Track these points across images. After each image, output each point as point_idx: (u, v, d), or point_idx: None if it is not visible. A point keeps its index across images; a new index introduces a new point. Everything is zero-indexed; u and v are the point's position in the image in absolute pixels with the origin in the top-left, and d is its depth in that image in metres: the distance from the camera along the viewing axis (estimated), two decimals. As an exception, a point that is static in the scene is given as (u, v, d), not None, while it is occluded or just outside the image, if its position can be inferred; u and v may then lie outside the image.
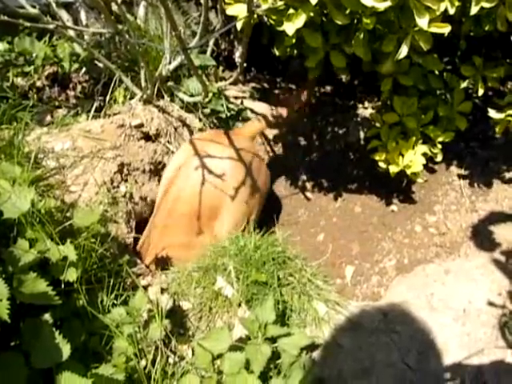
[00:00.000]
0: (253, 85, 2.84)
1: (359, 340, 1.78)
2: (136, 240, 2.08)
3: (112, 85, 2.39)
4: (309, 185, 2.61)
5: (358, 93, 2.88)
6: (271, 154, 2.65)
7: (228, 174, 2.03)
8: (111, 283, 1.62)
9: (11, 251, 1.35)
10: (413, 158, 2.16)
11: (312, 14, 1.62)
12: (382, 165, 2.22)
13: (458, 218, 2.33)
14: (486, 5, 1.66)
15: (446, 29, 1.63)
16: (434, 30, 1.62)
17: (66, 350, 1.28)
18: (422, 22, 1.56)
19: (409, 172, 2.18)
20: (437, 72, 2.14)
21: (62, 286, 1.42)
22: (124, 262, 1.74)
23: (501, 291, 1.94)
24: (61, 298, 1.33)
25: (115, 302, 1.61)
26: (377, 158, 2.23)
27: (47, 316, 1.36)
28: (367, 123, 2.63)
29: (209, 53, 2.51)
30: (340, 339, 1.77)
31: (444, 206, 2.42)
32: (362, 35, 1.80)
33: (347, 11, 1.66)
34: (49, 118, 2.44)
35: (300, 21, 1.63)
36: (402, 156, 2.18)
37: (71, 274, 1.44)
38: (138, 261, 1.97)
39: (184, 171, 2.04)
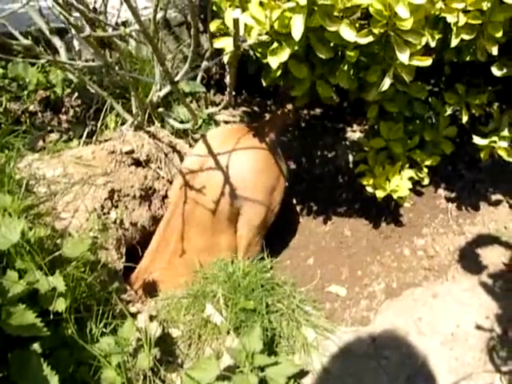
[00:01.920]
0: (243, 109, 2.86)
1: (348, 366, 1.80)
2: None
3: (104, 110, 2.41)
4: (298, 208, 2.63)
5: (347, 115, 2.90)
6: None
7: (254, 177, 2.05)
8: (100, 311, 1.63)
9: (0, 282, 1.36)
10: (399, 183, 2.19)
11: (296, 48, 1.65)
12: (370, 189, 2.24)
13: (445, 241, 2.35)
14: (466, 37, 1.70)
15: (427, 62, 1.67)
16: (415, 63, 1.66)
17: (54, 381, 1.29)
18: (403, 56, 1.59)
19: (395, 196, 2.20)
20: (422, 97, 2.17)
21: (51, 316, 1.43)
22: (113, 289, 1.75)
23: (488, 314, 1.95)
24: (49, 328, 1.34)
25: (104, 330, 1.62)
26: (364, 182, 2.25)
27: (35, 346, 1.36)
28: (356, 146, 2.65)
29: (199, 79, 2.54)
30: (329, 365, 1.79)
31: (432, 229, 2.44)
32: (345, 67, 1.83)
33: (331, 44, 1.69)
34: (41, 143, 2.45)
35: (284, 55, 1.66)
36: (389, 181, 2.20)
37: (60, 305, 1.45)
38: (128, 287, 1.98)
39: (202, 172, 2.05)
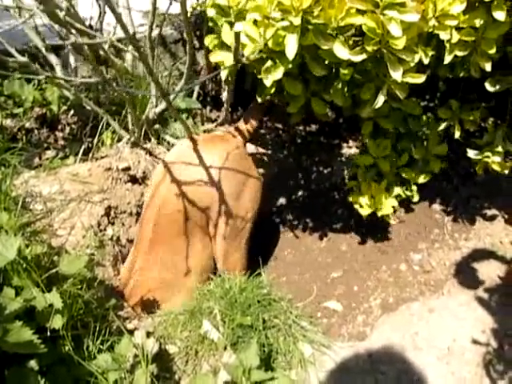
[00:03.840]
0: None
1: (345, 381, 1.79)
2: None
3: (100, 127, 2.42)
4: (294, 224, 2.63)
5: (343, 131, 2.91)
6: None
7: (209, 181, 2.02)
8: (97, 328, 1.62)
9: (-3, 300, 1.36)
10: (383, 201, 2.19)
11: (290, 66, 1.67)
12: (356, 206, 2.24)
13: (441, 256, 2.36)
14: (460, 53, 1.73)
15: (420, 79, 1.68)
16: (408, 80, 1.67)
17: (50, 398, 1.29)
18: (396, 74, 1.61)
19: (379, 214, 2.21)
20: (417, 114, 2.18)
21: (48, 333, 1.43)
22: (110, 306, 1.75)
23: (485, 329, 1.96)
24: (46, 345, 1.34)
25: (101, 347, 1.61)
26: (351, 199, 2.26)
27: (32, 363, 1.36)
28: (351, 162, 2.66)
29: (195, 95, 2.55)
30: (325, 381, 1.78)
31: (428, 244, 2.45)
32: (340, 84, 1.85)
33: (325, 62, 1.71)
34: (37, 160, 2.46)
35: (279, 73, 1.68)
36: (374, 198, 2.21)
37: (57, 322, 1.45)
38: (125, 304, 1.98)
39: (167, 181, 2.03)
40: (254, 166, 2.20)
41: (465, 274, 2.24)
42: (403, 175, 2.27)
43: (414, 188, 2.30)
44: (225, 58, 1.88)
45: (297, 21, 1.54)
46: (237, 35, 1.58)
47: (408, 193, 2.29)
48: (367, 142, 2.23)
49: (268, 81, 1.71)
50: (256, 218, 2.18)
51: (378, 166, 2.23)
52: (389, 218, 2.27)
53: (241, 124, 2.27)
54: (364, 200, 2.20)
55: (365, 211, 2.21)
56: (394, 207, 2.22)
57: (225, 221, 2.05)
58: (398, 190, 2.23)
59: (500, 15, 1.62)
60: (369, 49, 1.59)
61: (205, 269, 2.12)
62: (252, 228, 2.17)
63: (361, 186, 2.24)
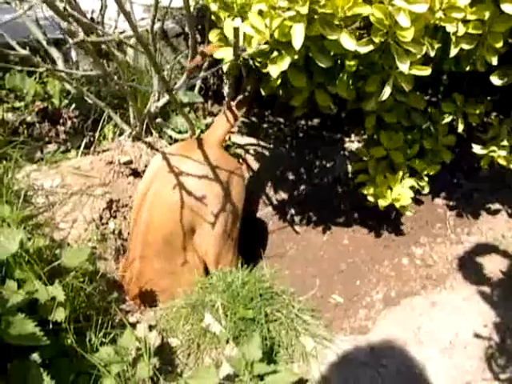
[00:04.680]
0: (241, 119, 2.86)
1: (346, 374, 1.80)
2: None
3: (102, 121, 2.42)
4: (297, 218, 2.63)
5: (345, 125, 2.91)
6: (259, 188, 2.67)
7: (202, 189, 1.97)
8: (100, 321, 1.63)
9: (-1, 292, 1.36)
10: (401, 192, 2.18)
11: (296, 57, 1.65)
12: (371, 199, 2.23)
13: (443, 250, 2.36)
14: (466, 46, 1.71)
15: (426, 71, 1.66)
16: (415, 72, 1.65)
17: (53, 391, 1.29)
18: (403, 66, 1.59)
19: (398, 205, 2.19)
20: (421, 108, 2.17)
21: (50, 325, 1.43)
22: (112, 299, 1.76)
23: (487, 323, 1.96)
24: (49, 337, 1.34)
25: (104, 340, 1.62)
26: (365, 191, 2.25)
27: (35, 356, 1.36)
28: (354, 157, 2.66)
29: (197, 89, 2.55)
30: (327, 374, 1.79)
31: (430, 238, 2.44)
32: (345, 76, 1.84)
33: (331, 53, 1.69)
34: (39, 154, 2.45)
35: (285, 64, 1.66)
36: (391, 189, 2.20)
37: (59, 314, 1.45)
38: (127, 297, 1.98)
39: (152, 194, 1.97)
40: (235, 164, 2.19)
41: (467, 268, 2.24)
42: (414, 166, 2.27)
43: (426, 179, 2.29)
44: (226, 54, 1.86)
45: (304, 10, 1.51)
46: (235, 31, 1.56)
47: (421, 183, 2.28)
48: (378, 135, 2.22)
49: (274, 72, 1.69)
50: (242, 217, 2.16)
51: (391, 157, 2.23)
52: (406, 209, 2.25)
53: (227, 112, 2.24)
54: (381, 192, 2.20)
55: (382, 202, 2.20)
56: (411, 198, 2.21)
57: (217, 225, 2.02)
58: (411, 182, 2.22)
59: (508, 8, 1.58)
60: (376, 40, 1.57)
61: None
62: (239, 228, 2.15)
63: (375, 178, 2.23)
